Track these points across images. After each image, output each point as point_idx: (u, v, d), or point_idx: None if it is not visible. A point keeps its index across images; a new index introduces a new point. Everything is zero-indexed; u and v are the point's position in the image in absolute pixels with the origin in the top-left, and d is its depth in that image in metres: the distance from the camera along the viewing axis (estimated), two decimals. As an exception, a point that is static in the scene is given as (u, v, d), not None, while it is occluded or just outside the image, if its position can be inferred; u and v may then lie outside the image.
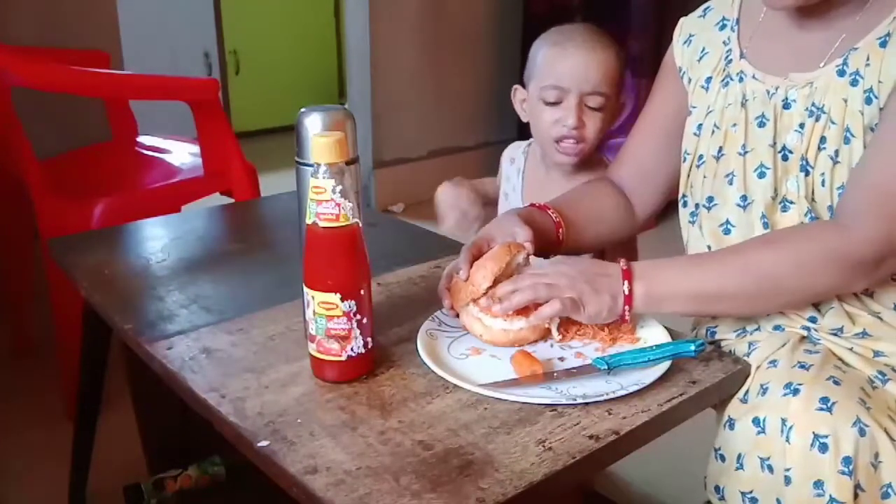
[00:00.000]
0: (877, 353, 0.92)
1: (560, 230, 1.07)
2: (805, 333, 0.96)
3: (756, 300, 0.92)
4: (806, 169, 0.93)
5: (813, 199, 0.93)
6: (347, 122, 0.90)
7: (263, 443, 0.74)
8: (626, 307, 0.89)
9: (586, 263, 0.92)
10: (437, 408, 0.79)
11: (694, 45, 1.09)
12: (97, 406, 1.39)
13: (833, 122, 0.91)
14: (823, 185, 0.92)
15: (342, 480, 0.68)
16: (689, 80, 1.08)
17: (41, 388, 1.87)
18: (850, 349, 0.92)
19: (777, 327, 0.97)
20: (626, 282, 0.88)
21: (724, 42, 1.05)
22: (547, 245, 1.04)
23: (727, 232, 1.00)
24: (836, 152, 0.91)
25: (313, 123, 0.90)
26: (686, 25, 1.11)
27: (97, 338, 1.30)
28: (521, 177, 1.25)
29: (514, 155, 1.29)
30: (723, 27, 1.06)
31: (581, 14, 3.15)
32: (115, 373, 1.40)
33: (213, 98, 1.89)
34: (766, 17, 1.01)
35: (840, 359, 0.91)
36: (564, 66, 1.14)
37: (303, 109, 0.92)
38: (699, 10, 1.11)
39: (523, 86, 1.23)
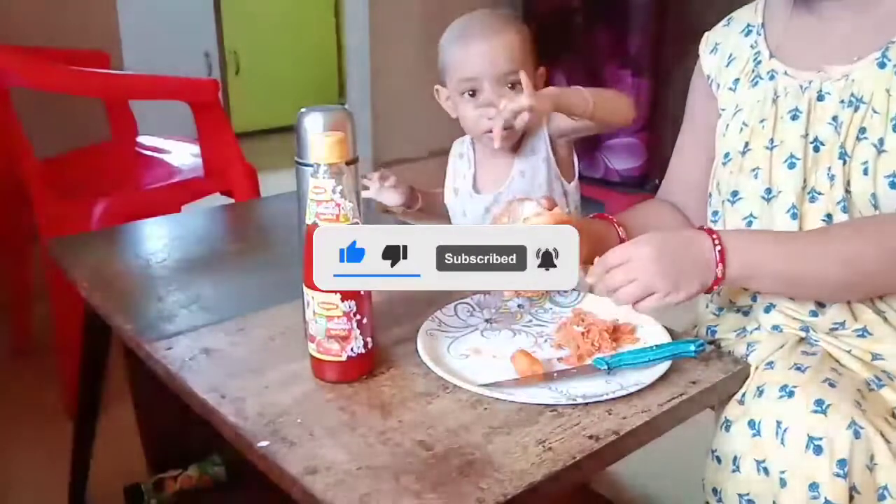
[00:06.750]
0: (875, 356, 0.92)
1: (615, 225, 1.06)
2: (804, 335, 0.96)
3: (844, 288, 0.90)
4: (844, 158, 0.92)
5: (848, 190, 0.92)
6: (347, 122, 0.90)
7: (263, 443, 0.74)
8: (716, 287, 0.87)
9: (675, 244, 0.88)
10: (437, 408, 0.79)
11: (720, 52, 1.10)
12: (97, 406, 1.40)
13: (876, 112, 0.91)
14: (866, 174, 0.91)
15: (342, 480, 0.68)
16: (718, 86, 1.09)
17: (41, 387, 1.87)
18: (849, 351, 0.92)
19: (775, 327, 0.97)
20: (720, 265, 0.86)
21: (751, 45, 1.06)
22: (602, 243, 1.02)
23: (749, 224, 1.00)
24: (881, 141, 0.90)
25: (313, 123, 0.90)
26: (711, 37, 1.13)
27: (97, 338, 1.30)
28: (472, 165, 1.26)
29: (461, 150, 1.30)
30: (748, 33, 1.07)
31: (581, 14, 3.14)
32: (115, 373, 1.40)
33: (213, 98, 1.89)
34: (793, 17, 1.02)
35: (837, 361, 0.91)
36: (470, 57, 1.16)
37: (303, 109, 0.92)
38: (723, 21, 1.12)
39: (444, 85, 1.24)
